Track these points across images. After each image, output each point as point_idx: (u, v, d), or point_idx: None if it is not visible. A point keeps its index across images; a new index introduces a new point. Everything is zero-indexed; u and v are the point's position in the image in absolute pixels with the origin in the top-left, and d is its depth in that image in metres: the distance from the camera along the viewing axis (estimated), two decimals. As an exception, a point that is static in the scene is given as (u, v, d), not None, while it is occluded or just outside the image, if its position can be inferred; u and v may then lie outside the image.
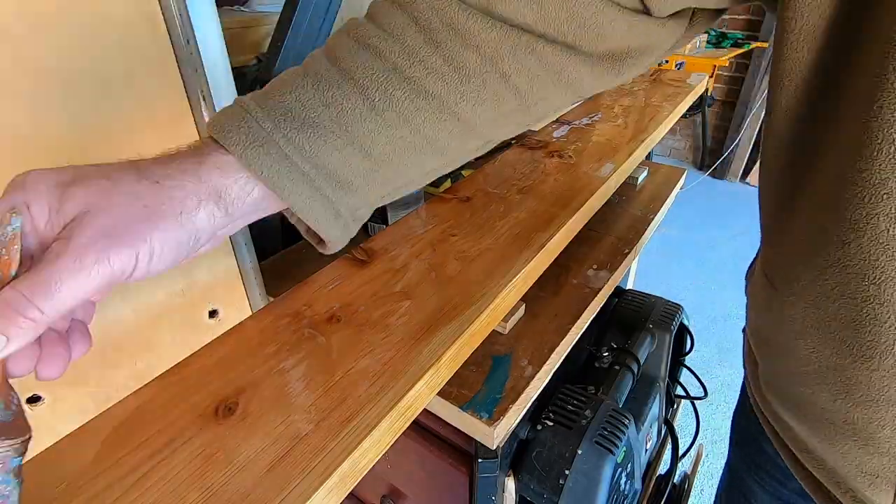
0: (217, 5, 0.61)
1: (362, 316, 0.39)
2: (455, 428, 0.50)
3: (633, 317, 0.74)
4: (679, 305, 0.77)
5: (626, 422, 0.56)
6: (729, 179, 3.14)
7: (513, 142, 0.70)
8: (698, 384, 0.84)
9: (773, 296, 0.35)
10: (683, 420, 1.01)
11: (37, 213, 0.23)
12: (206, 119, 0.48)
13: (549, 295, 0.61)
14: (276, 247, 0.76)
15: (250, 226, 0.57)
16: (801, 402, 0.36)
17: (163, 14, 0.43)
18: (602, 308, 0.65)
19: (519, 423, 0.52)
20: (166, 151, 0.28)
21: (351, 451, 0.29)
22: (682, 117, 0.98)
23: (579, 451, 0.52)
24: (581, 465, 0.52)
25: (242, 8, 1.48)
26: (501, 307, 0.43)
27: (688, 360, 0.86)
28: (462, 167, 0.85)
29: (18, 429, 0.23)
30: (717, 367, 1.77)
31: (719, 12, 0.35)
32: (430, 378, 0.35)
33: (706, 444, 1.51)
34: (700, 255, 2.42)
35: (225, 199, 0.27)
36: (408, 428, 0.35)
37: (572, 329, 0.57)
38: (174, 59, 0.45)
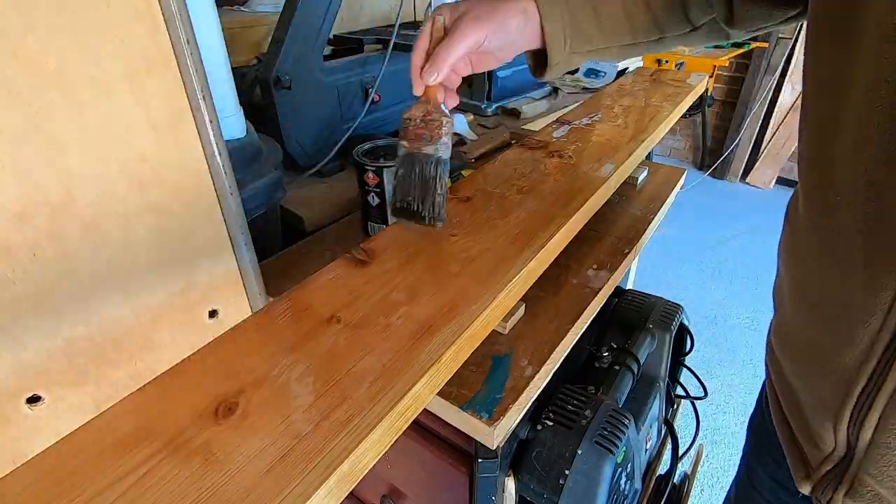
0: (217, 5, 0.61)
1: (362, 316, 0.39)
2: (455, 428, 0.50)
3: (633, 317, 0.75)
4: (679, 305, 0.77)
5: (626, 422, 0.56)
6: (729, 179, 3.14)
7: (513, 142, 0.70)
8: (698, 384, 0.84)
9: (788, 227, 0.43)
10: (683, 420, 1.01)
11: (446, 14, 0.45)
12: (207, 119, 0.48)
13: (549, 295, 0.61)
14: (276, 247, 0.76)
15: (250, 226, 0.57)
16: (789, 338, 0.43)
17: (163, 14, 0.43)
18: (602, 308, 0.65)
19: (519, 423, 0.52)
20: None
21: (351, 451, 0.29)
22: (682, 117, 0.98)
23: (579, 451, 0.52)
24: (581, 465, 0.52)
25: (242, 8, 1.48)
26: (501, 307, 0.43)
27: (688, 360, 0.86)
28: (462, 167, 0.85)
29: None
30: (717, 367, 1.77)
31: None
32: (430, 378, 0.35)
33: (706, 444, 1.51)
34: (700, 255, 2.42)
35: (526, 14, 0.46)
36: (408, 428, 0.35)
37: (572, 329, 0.57)
38: (174, 59, 0.45)
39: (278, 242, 0.81)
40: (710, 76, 2.90)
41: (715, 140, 3.20)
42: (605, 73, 1.58)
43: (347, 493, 0.30)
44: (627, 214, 0.80)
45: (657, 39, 0.51)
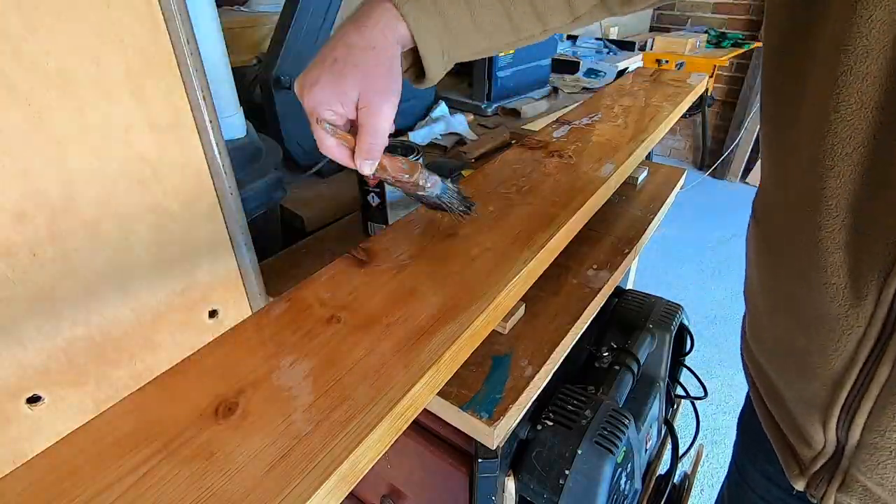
0: (217, 5, 0.61)
1: (362, 316, 0.39)
2: (455, 428, 0.50)
3: (633, 317, 0.74)
4: (679, 305, 0.77)
5: (626, 422, 0.56)
6: (729, 179, 3.14)
7: (513, 142, 0.70)
8: (698, 384, 0.84)
9: (757, 232, 0.43)
10: (683, 420, 1.01)
11: (338, 110, 0.41)
12: (207, 119, 0.48)
13: (549, 295, 0.61)
14: (276, 247, 0.76)
15: (250, 226, 0.57)
16: (766, 338, 0.44)
17: (163, 14, 0.43)
18: (602, 308, 0.65)
19: (519, 423, 0.52)
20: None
21: (351, 451, 0.29)
22: (682, 117, 0.98)
23: (579, 451, 0.52)
24: (581, 465, 0.52)
25: (242, 8, 1.48)
26: (501, 307, 0.43)
27: (688, 360, 0.86)
28: (462, 167, 0.85)
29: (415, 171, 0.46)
30: (717, 367, 1.77)
31: None
32: (430, 378, 0.35)
33: (706, 444, 1.51)
34: (700, 255, 2.42)
35: (401, 42, 0.42)
36: (408, 428, 0.35)
37: (572, 329, 0.57)
38: (174, 59, 0.45)
39: (278, 242, 0.81)
40: (710, 76, 2.90)
41: (715, 140, 3.20)
42: (605, 73, 1.59)
43: (347, 493, 0.30)
44: (627, 214, 0.80)
45: (542, 32, 0.49)
